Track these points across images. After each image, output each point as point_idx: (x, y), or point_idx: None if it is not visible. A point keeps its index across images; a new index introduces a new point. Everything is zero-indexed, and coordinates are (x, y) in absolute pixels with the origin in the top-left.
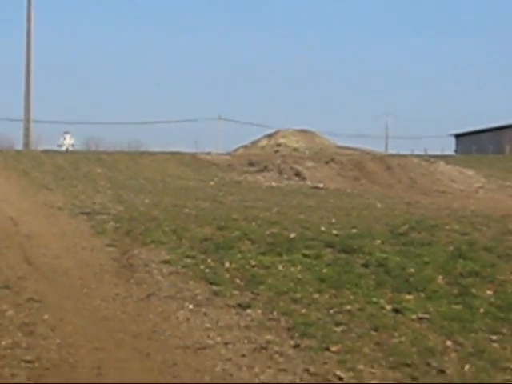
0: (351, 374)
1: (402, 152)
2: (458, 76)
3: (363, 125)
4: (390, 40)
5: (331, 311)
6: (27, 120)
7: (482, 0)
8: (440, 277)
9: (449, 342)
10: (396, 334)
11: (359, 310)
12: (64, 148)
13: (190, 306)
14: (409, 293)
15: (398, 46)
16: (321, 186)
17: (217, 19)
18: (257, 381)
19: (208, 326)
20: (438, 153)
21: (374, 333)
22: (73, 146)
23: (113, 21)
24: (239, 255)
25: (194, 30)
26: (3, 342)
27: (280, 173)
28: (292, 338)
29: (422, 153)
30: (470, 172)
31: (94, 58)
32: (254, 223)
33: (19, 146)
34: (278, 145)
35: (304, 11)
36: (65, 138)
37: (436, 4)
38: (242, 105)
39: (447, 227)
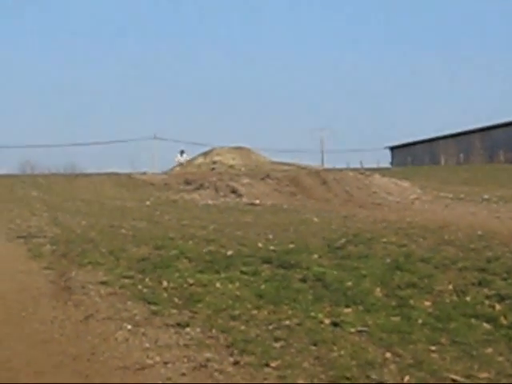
0: None
1: (338, 166)
2: (392, 89)
3: (299, 140)
4: (324, 54)
5: (270, 327)
6: None
7: (421, 11)
8: (378, 289)
9: (388, 354)
10: (335, 347)
11: (298, 325)
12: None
13: (129, 327)
14: (347, 306)
15: (332, 60)
16: (257, 202)
17: (148, 35)
18: None
19: (147, 345)
20: (374, 166)
21: (313, 347)
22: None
23: (52, 38)
24: (177, 274)
25: (128, 50)
26: None
27: (216, 190)
28: (231, 355)
29: (357, 166)
30: (406, 184)
31: (27, 80)
32: (191, 242)
33: None
34: (214, 162)
35: (239, 24)
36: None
37: (371, 15)
38: (177, 124)
39: (384, 240)
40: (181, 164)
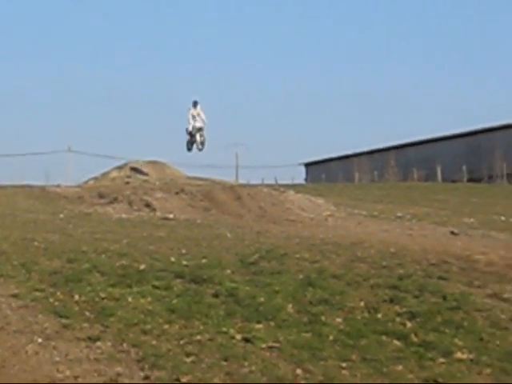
0: None
1: (253, 181)
2: (308, 105)
3: (214, 155)
4: (237, 71)
5: (181, 342)
6: None
7: (332, 33)
8: (290, 305)
9: (299, 371)
10: (246, 363)
11: (209, 340)
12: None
13: (40, 340)
14: (259, 322)
15: (246, 77)
16: (171, 216)
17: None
18: None
19: (57, 359)
20: (289, 182)
21: (224, 363)
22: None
23: None
24: (89, 288)
25: (42, 59)
26: None
27: (130, 204)
28: (142, 369)
29: (272, 182)
30: (320, 200)
31: None
32: (103, 255)
33: None
34: (128, 176)
35: (152, 41)
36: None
37: (287, 32)
38: (93, 136)
39: (297, 256)
40: (194, 118)
